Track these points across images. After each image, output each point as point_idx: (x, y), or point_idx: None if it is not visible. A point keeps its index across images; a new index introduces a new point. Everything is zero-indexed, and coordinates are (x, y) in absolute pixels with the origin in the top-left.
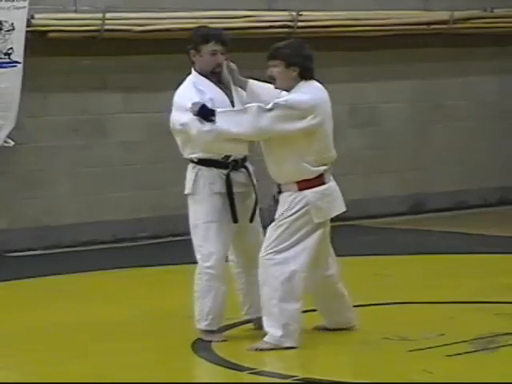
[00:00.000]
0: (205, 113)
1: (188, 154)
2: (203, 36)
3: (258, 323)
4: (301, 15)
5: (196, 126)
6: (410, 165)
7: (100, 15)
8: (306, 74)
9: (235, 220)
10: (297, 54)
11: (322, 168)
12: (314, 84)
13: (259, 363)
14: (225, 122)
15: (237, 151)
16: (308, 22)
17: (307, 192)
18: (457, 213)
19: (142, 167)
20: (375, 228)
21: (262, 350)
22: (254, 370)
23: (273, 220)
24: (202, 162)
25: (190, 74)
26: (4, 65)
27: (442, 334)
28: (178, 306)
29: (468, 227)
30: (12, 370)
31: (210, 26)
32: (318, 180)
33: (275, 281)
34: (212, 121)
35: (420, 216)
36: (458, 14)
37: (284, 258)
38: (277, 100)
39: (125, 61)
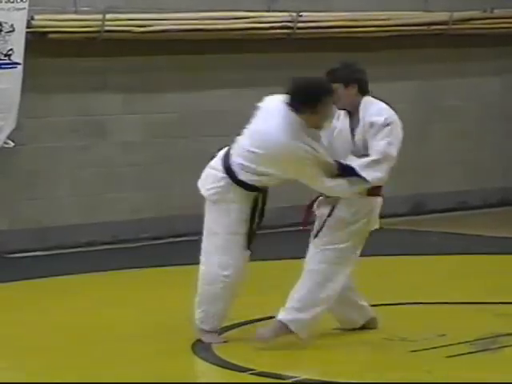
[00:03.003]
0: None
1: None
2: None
3: None
4: (301, 16)
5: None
6: (410, 165)
7: (100, 16)
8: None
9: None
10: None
11: None
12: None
13: (259, 364)
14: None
15: None
16: (308, 22)
17: None
18: (457, 214)
19: (143, 168)
20: (375, 229)
21: None
22: (254, 371)
23: None
24: (238, 182)
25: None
26: (4, 66)
27: (443, 335)
28: (178, 307)
29: (469, 228)
30: (13, 371)
31: (211, 27)
32: None
33: None
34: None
35: (420, 217)
36: (457, 15)
37: None
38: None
39: (125, 62)
